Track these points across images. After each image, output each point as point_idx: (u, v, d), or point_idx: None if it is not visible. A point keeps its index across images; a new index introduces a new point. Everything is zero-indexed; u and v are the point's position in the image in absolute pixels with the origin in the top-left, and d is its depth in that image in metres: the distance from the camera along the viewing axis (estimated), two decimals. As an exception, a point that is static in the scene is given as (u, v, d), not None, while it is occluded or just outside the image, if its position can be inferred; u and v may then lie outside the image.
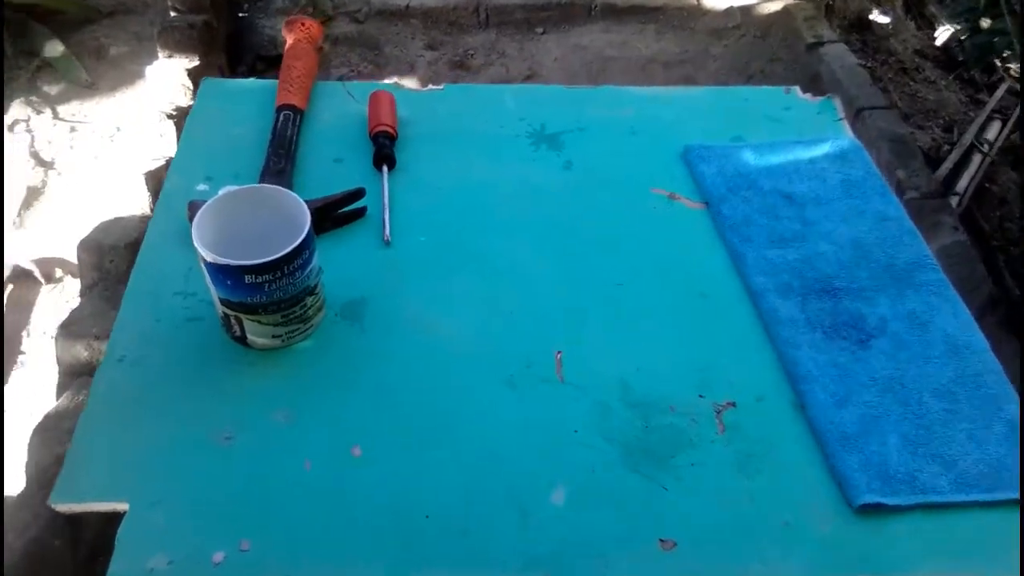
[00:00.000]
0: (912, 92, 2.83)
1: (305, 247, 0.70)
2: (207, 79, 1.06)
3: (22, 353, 1.67)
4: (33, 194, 1.97)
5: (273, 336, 0.75)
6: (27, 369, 1.64)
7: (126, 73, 2.30)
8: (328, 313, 0.80)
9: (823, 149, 1.00)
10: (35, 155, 2.05)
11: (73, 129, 2.13)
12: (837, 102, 1.07)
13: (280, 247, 0.70)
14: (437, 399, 0.74)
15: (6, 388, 1.60)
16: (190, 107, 2.01)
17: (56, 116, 2.16)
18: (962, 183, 2.26)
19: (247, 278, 0.68)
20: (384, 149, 0.93)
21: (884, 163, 2.19)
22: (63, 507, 0.64)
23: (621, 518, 0.68)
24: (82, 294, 1.59)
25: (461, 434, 0.72)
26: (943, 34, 2.89)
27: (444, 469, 0.70)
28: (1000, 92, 2.57)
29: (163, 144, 1.89)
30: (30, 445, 1.33)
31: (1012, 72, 2.64)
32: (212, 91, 1.04)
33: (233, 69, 2.37)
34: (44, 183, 2.00)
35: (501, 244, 0.88)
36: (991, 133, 2.41)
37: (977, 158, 2.33)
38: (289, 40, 1.05)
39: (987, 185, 2.34)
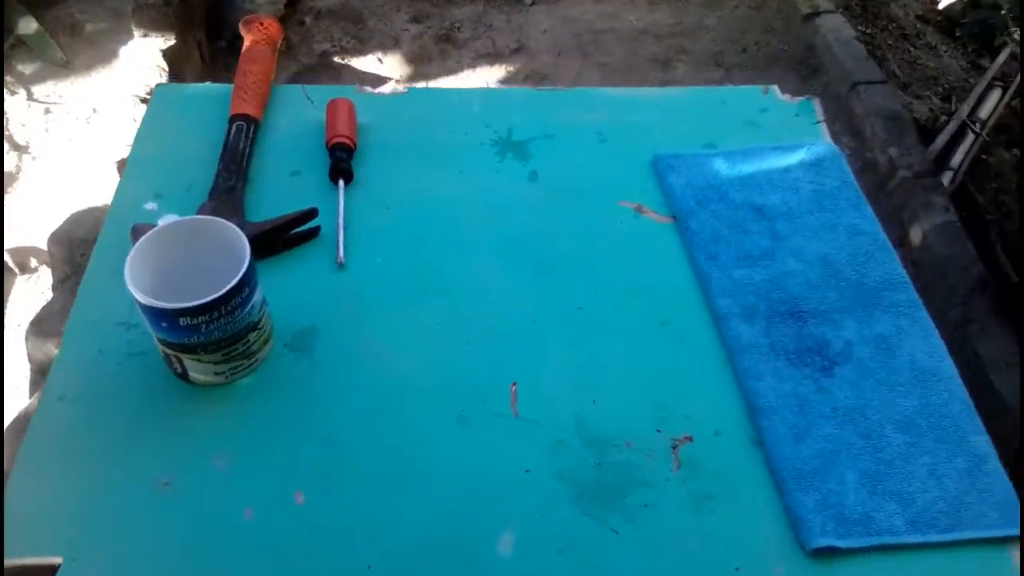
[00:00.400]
0: (912, 59, 2.76)
1: (244, 285, 0.68)
2: (160, 85, 1.02)
3: (-3, 345, 1.65)
4: (8, 180, 1.93)
5: (215, 373, 0.73)
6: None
7: (102, 51, 2.25)
8: (276, 344, 0.78)
9: (798, 156, 0.96)
10: (9, 139, 2.01)
11: (48, 111, 2.08)
12: (816, 104, 1.03)
13: (222, 280, 0.68)
14: (385, 440, 0.73)
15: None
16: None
17: (31, 97, 2.12)
18: (957, 158, 2.22)
19: (182, 320, 0.66)
20: (340, 163, 0.90)
21: (878, 140, 2.15)
22: (-5, 561, 0.63)
23: (568, 565, 0.66)
24: (54, 288, 1.57)
25: (409, 478, 0.70)
26: (946, -1, 2.81)
27: (390, 516, 0.68)
28: (1002, 58, 2.49)
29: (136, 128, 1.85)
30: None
31: (1015, 36, 2.57)
32: (165, 98, 1.00)
33: (212, 45, 2.32)
34: (19, 168, 1.96)
35: (460, 265, 0.86)
36: (989, 104, 2.36)
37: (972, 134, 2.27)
38: (246, 41, 1.01)
39: (984, 156, 2.29)
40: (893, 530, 0.69)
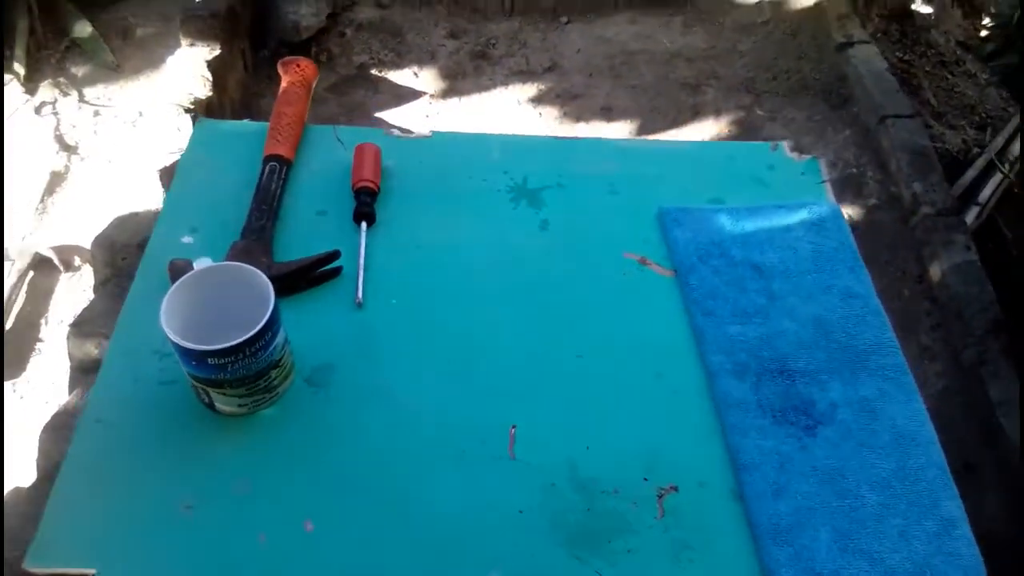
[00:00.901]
0: (949, 87, 2.76)
1: (267, 330, 0.74)
2: (201, 121, 1.09)
3: (40, 341, 1.75)
4: (56, 179, 2.03)
5: (239, 405, 0.80)
6: (45, 357, 1.72)
7: (152, 56, 2.34)
8: (297, 378, 0.84)
9: (800, 216, 1.01)
10: (59, 139, 2.11)
11: (97, 113, 2.18)
12: (822, 164, 1.07)
13: (249, 321, 0.74)
14: (390, 475, 0.79)
15: (24, 376, 1.69)
16: (208, 99, 2.04)
17: (82, 99, 2.22)
18: (985, 192, 2.22)
19: (210, 360, 0.73)
20: (364, 207, 0.96)
21: (903, 175, 2.17)
22: (38, 570, 0.70)
23: (552, 604, 0.72)
24: (95, 290, 1.66)
25: (409, 512, 0.76)
26: (988, 29, 2.80)
27: (389, 548, 0.74)
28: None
29: (180, 139, 1.94)
30: (40, 440, 1.41)
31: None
32: (205, 133, 1.07)
33: (256, 54, 2.39)
34: (67, 168, 2.06)
35: (469, 310, 0.91)
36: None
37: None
38: (283, 82, 1.08)
39: (1016, 191, 2.29)
40: (860, 588, 0.74)
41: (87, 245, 1.77)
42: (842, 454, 0.82)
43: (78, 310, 1.62)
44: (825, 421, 0.84)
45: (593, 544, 0.76)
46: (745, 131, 2.32)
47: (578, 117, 2.36)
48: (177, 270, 0.87)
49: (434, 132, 1.09)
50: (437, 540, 0.75)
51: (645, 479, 0.80)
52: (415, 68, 2.46)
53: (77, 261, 1.87)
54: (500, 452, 0.81)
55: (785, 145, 1.10)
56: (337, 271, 0.93)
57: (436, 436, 0.82)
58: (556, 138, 1.11)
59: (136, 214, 1.74)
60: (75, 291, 1.84)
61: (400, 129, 1.08)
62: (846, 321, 0.92)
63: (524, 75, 2.47)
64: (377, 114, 2.29)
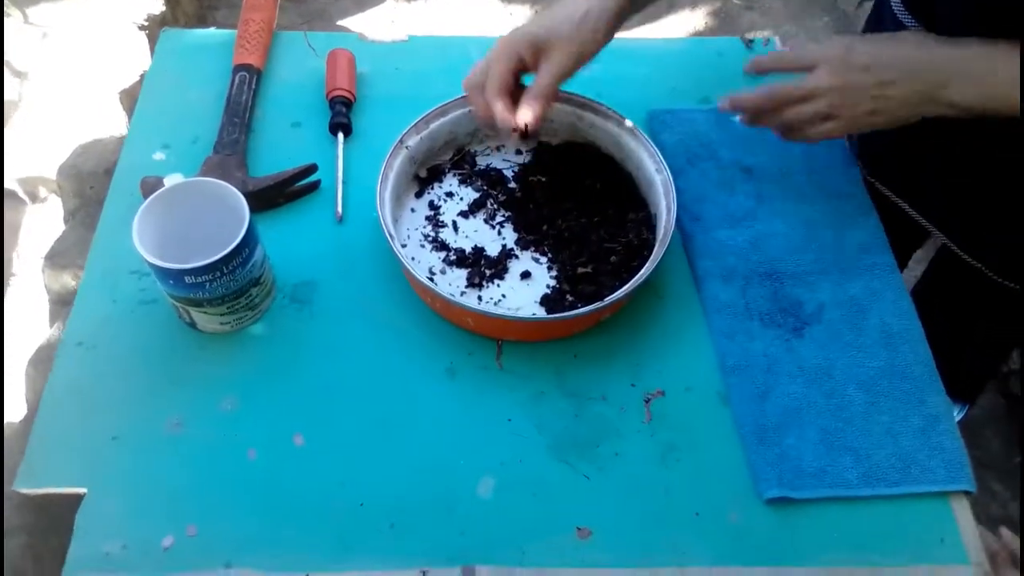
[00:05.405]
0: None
1: (244, 246, 0.72)
2: (166, 30, 1.04)
3: (13, 275, 1.71)
4: (10, 108, 1.94)
5: (221, 323, 0.78)
6: (19, 291, 1.69)
7: (101, -31, 2.21)
8: (279, 295, 0.83)
9: (789, 115, 0.98)
10: (8, 64, 2.01)
11: (45, 35, 2.07)
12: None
13: (226, 237, 0.72)
14: (378, 388, 0.78)
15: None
16: (162, 15, 1.95)
17: (26, 20, 2.10)
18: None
19: (187, 278, 0.71)
20: (339, 118, 0.93)
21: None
22: (27, 491, 0.70)
23: (542, 507, 0.73)
24: (65, 220, 1.62)
25: (399, 423, 0.76)
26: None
27: (381, 459, 0.74)
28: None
29: (136, 58, 1.86)
30: (27, 375, 1.39)
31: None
32: (171, 45, 1.02)
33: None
34: (20, 96, 1.97)
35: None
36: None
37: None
38: (248, -13, 1.02)
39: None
40: (845, 483, 0.75)
41: (52, 175, 1.71)
42: (829, 354, 0.82)
43: (50, 242, 1.58)
44: (812, 322, 0.84)
45: (581, 448, 0.76)
46: (722, 22, 2.25)
47: (554, 20, 2.28)
48: (149, 188, 0.84)
49: (410, 36, 1.04)
50: (428, 449, 0.75)
51: (632, 385, 0.80)
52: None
53: (43, 192, 1.81)
54: (488, 363, 0.80)
55: (776, 40, 1.06)
56: (315, 185, 0.90)
57: (423, 348, 0.81)
58: (537, 41, 1.06)
59: (100, 140, 1.68)
60: (44, 222, 1.79)
61: (374, 34, 1.03)
62: (836, 221, 0.91)
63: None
64: (340, 21, 2.20)
